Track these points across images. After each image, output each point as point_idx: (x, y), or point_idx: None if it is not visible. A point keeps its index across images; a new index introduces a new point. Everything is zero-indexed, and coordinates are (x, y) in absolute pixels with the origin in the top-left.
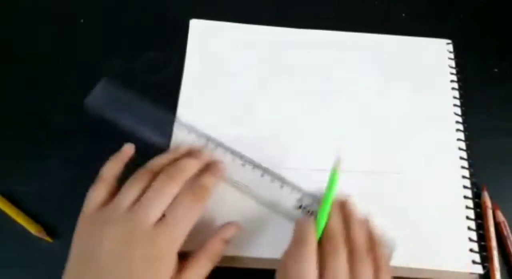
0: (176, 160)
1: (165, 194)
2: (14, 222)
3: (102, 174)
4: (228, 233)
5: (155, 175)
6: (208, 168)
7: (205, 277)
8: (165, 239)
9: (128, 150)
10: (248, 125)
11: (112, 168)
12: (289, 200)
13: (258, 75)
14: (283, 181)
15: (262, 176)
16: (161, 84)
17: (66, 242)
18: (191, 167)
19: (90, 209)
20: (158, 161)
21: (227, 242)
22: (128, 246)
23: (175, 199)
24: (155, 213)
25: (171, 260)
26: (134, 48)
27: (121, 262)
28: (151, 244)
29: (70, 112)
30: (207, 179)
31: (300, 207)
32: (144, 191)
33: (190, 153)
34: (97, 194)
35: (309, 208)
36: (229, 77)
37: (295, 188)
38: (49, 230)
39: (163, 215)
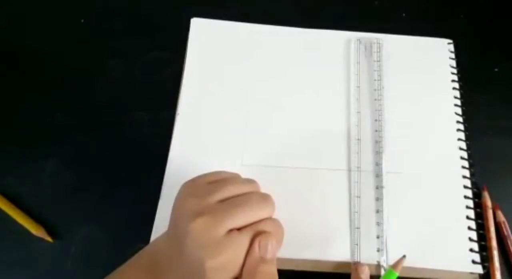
0: None
1: (255, 213)
2: (14, 222)
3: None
4: None
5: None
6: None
7: None
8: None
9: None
10: (249, 124)
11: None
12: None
13: (259, 74)
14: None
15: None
16: (161, 84)
17: (67, 242)
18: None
19: (198, 180)
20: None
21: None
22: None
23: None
24: (237, 223)
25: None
26: (134, 48)
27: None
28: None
29: (70, 112)
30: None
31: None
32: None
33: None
34: (215, 174)
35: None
36: (229, 76)
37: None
38: (50, 230)
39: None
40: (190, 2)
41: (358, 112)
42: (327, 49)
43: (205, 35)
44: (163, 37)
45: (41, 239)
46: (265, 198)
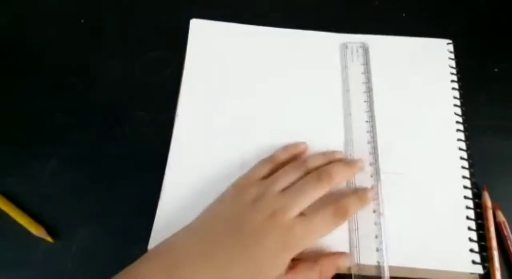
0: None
1: (308, 193)
2: (14, 222)
3: (275, 155)
4: (342, 262)
5: (309, 171)
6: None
7: None
8: (300, 233)
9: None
10: (249, 124)
11: (285, 152)
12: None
13: (258, 75)
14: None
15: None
16: (161, 84)
17: (67, 242)
18: (341, 174)
19: (250, 178)
20: (317, 158)
21: (337, 269)
22: (266, 228)
23: (318, 203)
24: (295, 208)
25: (292, 254)
26: (134, 48)
27: (257, 237)
28: (287, 233)
29: (70, 112)
30: (353, 206)
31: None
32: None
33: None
34: (261, 169)
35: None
36: (229, 77)
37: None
38: (50, 230)
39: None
40: (190, 3)
41: (360, 113)
42: (329, 50)
43: (205, 36)
44: (163, 37)
45: (41, 239)
46: (319, 178)
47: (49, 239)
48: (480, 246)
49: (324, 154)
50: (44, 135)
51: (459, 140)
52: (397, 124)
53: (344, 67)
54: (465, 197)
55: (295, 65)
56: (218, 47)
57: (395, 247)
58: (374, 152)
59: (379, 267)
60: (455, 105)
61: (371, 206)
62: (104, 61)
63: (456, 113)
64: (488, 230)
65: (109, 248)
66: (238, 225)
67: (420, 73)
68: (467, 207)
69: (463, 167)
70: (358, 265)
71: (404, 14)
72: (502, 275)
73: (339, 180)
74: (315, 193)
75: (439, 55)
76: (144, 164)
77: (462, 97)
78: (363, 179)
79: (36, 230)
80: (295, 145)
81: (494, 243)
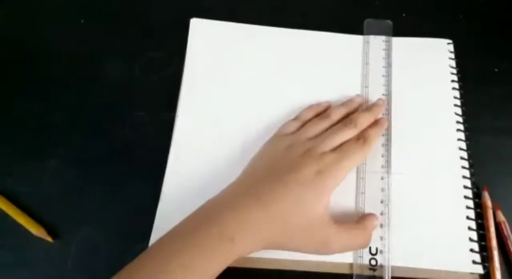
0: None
1: (337, 136)
2: (14, 222)
3: (300, 114)
4: (377, 222)
5: (334, 122)
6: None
7: (346, 247)
8: (331, 158)
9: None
10: (249, 124)
11: (310, 110)
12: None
13: (258, 75)
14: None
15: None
16: (161, 84)
17: (67, 242)
18: (364, 120)
19: (280, 134)
20: (339, 110)
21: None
22: (301, 161)
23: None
24: (326, 146)
25: (328, 185)
26: (134, 48)
27: (294, 169)
28: (319, 160)
29: (70, 112)
30: (373, 132)
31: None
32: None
33: (364, 105)
34: (288, 127)
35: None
36: (229, 77)
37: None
38: (50, 230)
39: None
40: (190, 3)
41: None
42: (329, 51)
43: (205, 36)
44: (163, 37)
45: (41, 239)
46: (345, 125)
47: (49, 239)
48: (480, 246)
49: (344, 104)
50: (44, 135)
51: (459, 139)
52: (397, 124)
53: (356, 67)
54: (465, 197)
55: (298, 65)
56: (218, 46)
57: (396, 246)
58: (389, 154)
59: (381, 267)
60: (455, 105)
61: (379, 207)
62: (104, 61)
63: (456, 113)
64: (488, 230)
65: (109, 248)
66: (275, 164)
67: (420, 73)
68: (467, 207)
69: (463, 167)
70: (361, 265)
71: (404, 14)
72: (502, 275)
73: (364, 125)
74: (343, 135)
75: (439, 55)
76: (144, 164)
77: (462, 97)
78: (375, 181)
79: (36, 230)
80: (318, 103)
81: (494, 243)
